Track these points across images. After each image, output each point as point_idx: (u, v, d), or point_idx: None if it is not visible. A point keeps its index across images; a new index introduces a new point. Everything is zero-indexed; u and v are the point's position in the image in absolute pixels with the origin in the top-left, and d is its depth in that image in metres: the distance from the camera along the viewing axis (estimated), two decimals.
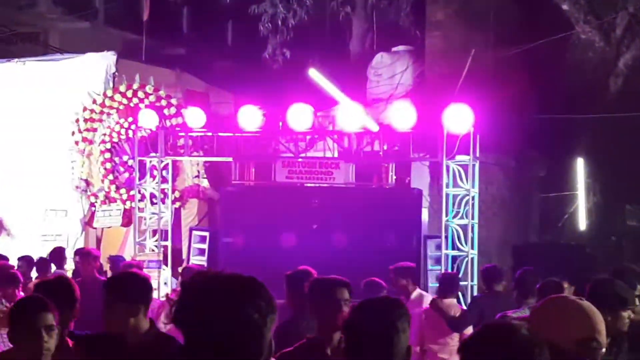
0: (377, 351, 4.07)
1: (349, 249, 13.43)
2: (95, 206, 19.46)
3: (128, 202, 18.35)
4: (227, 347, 3.13)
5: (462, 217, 14.96)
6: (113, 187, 19.37)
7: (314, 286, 6.65)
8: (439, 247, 14.93)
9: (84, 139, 19.66)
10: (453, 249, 14.90)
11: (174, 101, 18.63)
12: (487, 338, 3.31)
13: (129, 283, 7.47)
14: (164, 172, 16.71)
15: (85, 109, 19.72)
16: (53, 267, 14.24)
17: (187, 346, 3.18)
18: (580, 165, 21.39)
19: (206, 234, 15.93)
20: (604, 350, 3.76)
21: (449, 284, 11.37)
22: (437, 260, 14.74)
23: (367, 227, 14.16)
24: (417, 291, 11.71)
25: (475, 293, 13.66)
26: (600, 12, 21.58)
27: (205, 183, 18.95)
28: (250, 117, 15.60)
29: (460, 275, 14.43)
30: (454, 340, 10.74)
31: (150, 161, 16.61)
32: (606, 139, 20.97)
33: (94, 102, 19.72)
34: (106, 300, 7.28)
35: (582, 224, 21.81)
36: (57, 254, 14.57)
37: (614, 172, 21.77)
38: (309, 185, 15.48)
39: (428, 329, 11.08)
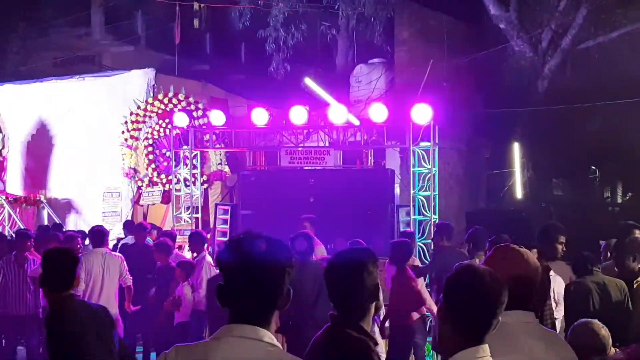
0: (348, 288, 4.10)
1: (338, 217, 13.45)
2: (141, 188, 19.48)
3: (167, 185, 18.33)
4: (254, 287, 3.16)
5: (425, 190, 14.97)
6: (155, 173, 19.36)
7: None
8: (408, 214, 14.98)
9: (132, 137, 19.66)
10: (419, 215, 14.94)
11: (200, 106, 18.58)
12: (460, 280, 3.30)
13: None
14: (194, 161, 16.70)
15: (131, 113, 19.71)
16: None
17: (226, 284, 3.22)
18: (516, 148, 21.36)
19: (228, 208, 15.92)
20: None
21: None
22: (407, 224, 14.77)
23: (352, 199, 14.17)
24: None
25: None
26: (529, 29, 21.55)
27: (226, 169, 18.96)
28: (260, 116, 15.63)
29: (425, 235, 14.58)
30: None
31: (183, 152, 16.61)
32: (536, 127, 20.94)
33: (138, 108, 19.70)
34: None
35: (519, 194, 21.79)
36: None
37: (543, 153, 21.74)
38: (306, 168, 15.49)
39: None
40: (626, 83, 16.97)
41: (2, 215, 19.96)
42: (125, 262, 12.00)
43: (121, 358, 6.36)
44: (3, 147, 21.14)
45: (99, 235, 12.39)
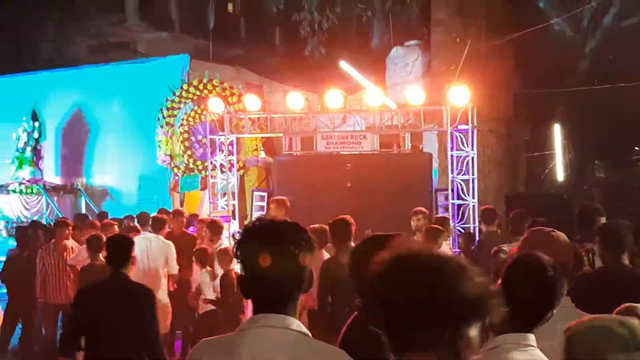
0: None
1: (376, 201, 13.40)
2: (178, 175, 19.60)
3: (203, 172, 18.41)
4: (274, 273, 3.10)
5: (464, 174, 14.90)
6: (191, 160, 19.50)
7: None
8: (446, 198, 14.92)
9: (167, 124, 19.82)
10: (458, 199, 14.88)
11: (235, 91, 18.66)
12: (524, 269, 3.37)
13: None
14: (230, 147, 16.73)
15: (167, 100, 19.84)
16: None
17: (245, 274, 3.22)
18: (557, 130, 21.23)
19: (264, 194, 15.95)
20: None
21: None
22: (446, 208, 14.71)
23: (389, 184, 14.11)
24: None
25: (477, 233, 13.56)
26: (569, 7, 21.34)
27: (262, 154, 19.00)
28: (295, 101, 15.58)
29: (464, 220, 14.53)
30: None
31: (219, 139, 16.63)
32: (577, 108, 20.82)
33: (174, 94, 19.83)
34: None
35: (560, 176, 21.69)
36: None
37: (583, 134, 21.61)
38: (343, 153, 15.45)
39: None
40: None
41: (40, 203, 20.25)
42: (173, 250, 12.20)
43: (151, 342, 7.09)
44: (40, 136, 21.38)
45: (159, 221, 12.58)
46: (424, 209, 12.17)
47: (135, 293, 7.23)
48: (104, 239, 9.67)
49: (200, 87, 19.57)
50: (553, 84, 20.41)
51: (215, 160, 16.88)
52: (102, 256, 10.52)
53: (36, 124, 21.43)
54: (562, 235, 3.96)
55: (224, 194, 16.92)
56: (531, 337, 3.20)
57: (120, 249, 7.36)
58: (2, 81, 23.82)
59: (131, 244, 7.60)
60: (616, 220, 7.50)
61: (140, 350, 6.97)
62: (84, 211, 19.51)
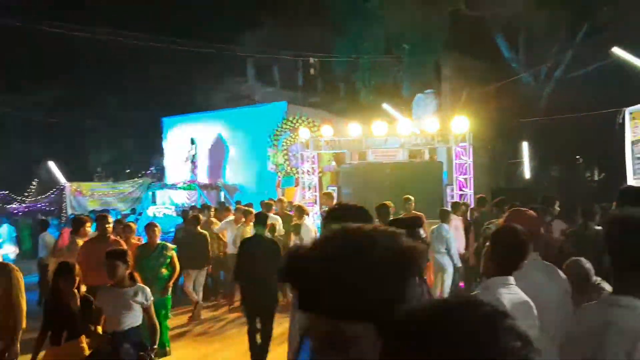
0: None
1: (405, 194, 13.15)
2: (280, 177, 19.72)
3: (296, 174, 18.48)
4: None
5: (464, 175, 14.71)
6: (289, 167, 19.58)
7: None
8: (452, 190, 14.73)
9: (274, 145, 19.97)
10: (460, 191, 14.69)
11: (316, 124, 18.64)
12: (505, 234, 3.35)
13: None
14: (313, 159, 16.76)
15: (274, 130, 20.03)
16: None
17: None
18: (525, 146, 20.80)
19: (335, 189, 15.93)
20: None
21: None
22: (452, 197, 14.46)
23: (415, 182, 13.91)
24: None
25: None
26: (532, 65, 21.02)
27: (333, 164, 19.00)
28: (355, 129, 15.63)
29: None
30: None
31: (306, 154, 16.67)
32: (538, 132, 20.40)
33: (278, 126, 19.99)
34: None
35: (527, 175, 21.21)
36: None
37: (543, 148, 21.16)
38: (384, 162, 15.37)
39: None
40: (599, 103, 16.38)
41: (195, 195, 20.61)
42: (281, 222, 12.35)
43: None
44: (195, 154, 21.78)
45: (267, 205, 12.70)
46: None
47: (269, 245, 7.84)
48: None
49: (294, 121, 19.64)
50: (522, 115, 20.06)
51: (304, 167, 16.93)
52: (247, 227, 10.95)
53: (192, 146, 21.83)
54: (532, 213, 3.98)
55: (310, 189, 16.99)
56: (511, 279, 3.19)
57: (261, 220, 8.20)
58: (173, 119, 24.31)
59: (267, 217, 8.74)
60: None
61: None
62: (222, 200, 19.81)
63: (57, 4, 26.08)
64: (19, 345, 5.35)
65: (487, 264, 3.39)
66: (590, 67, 19.50)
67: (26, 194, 26.11)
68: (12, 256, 14.80)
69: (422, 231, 3.74)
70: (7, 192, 25.71)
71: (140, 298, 5.20)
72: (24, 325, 5.39)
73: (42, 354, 5.26)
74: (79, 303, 5.18)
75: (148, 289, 5.34)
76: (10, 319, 5.30)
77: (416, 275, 1.29)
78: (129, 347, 4.91)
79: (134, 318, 5.17)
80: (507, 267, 3.23)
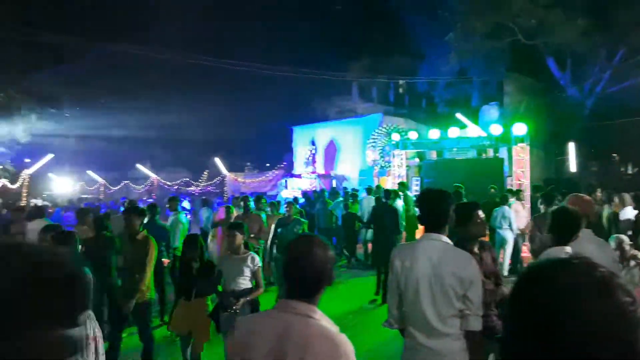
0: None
1: (474, 183, 12.76)
2: (377, 169, 19.16)
3: (389, 168, 17.99)
4: (438, 212, 2.78)
5: (521, 168, 14.04)
6: (382, 162, 19.26)
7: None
8: (512, 180, 13.99)
9: (372, 145, 19.92)
10: (518, 181, 13.93)
11: (404, 130, 18.39)
12: (560, 213, 3.21)
13: None
14: (401, 156, 16.53)
15: (372, 135, 20.02)
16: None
17: (421, 213, 2.85)
18: (572, 146, 19.48)
19: (418, 178, 15.81)
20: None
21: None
22: (511, 186, 13.74)
23: (481, 174, 13.47)
24: None
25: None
26: (578, 82, 19.62)
27: (417, 159, 18.65)
28: (433, 134, 15.30)
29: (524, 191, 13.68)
30: None
31: (397, 152, 16.55)
32: (582, 135, 19.07)
33: (375, 132, 19.98)
34: None
35: (573, 169, 19.90)
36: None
37: (585, 148, 19.77)
38: (457, 158, 15.02)
39: None
40: (633, 112, 15.14)
41: (315, 182, 21.04)
42: None
43: None
44: (316, 153, 22.22)
45: (370, 190, 12.68)
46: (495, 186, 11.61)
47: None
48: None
49: (388, 129, 19.54)
50: (569, 121, 18.88)
51: (394, 162, 16.84)
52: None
53: (313, 146, 22.32)
54: (586, 197, 3.77)
55: (399, 178, 16.81)
56: (568, 248, 3.04)
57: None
58: (299, 127, 24.85)
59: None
60: None
61: None
62: (334, 186, 20.13)
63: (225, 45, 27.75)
64: (147, 295, 5.18)
65: (548, 237, 3.21)
66: (626, 83, 18.03)
67: (200, 180, 27.23)
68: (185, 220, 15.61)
69: (480, 212, 3.56)
70: (187, 179, 27.22)
71: (250, 263, 4.73)
72: (148, 278, 5.23)
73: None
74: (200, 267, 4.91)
75: (257, 257, 4.83)
76: (143, 273, 5.19)
77: None
78: (244, 303, 4.58)
79: (247, 280, 4.72)
80: (564, 238, 3.09)
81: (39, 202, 18.38)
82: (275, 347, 1.72)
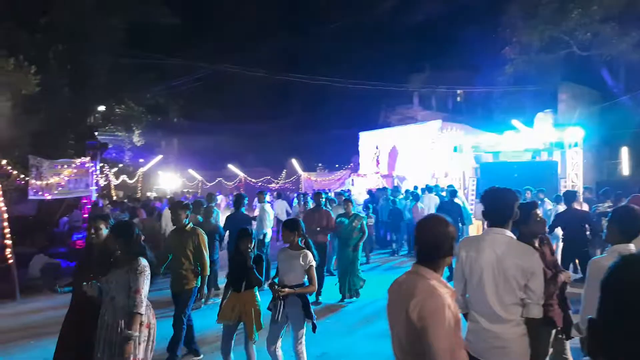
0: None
1: (528, 184, 12.69)
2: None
3: (449, 169, 17.86)
4: (500, 207, 2.74)
5: (575, 171, 13.98)
6: (441, 164, 18.78)
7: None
8: (565, 182, 13.74)
9: (431, 149, 19.57)
10: (572, 182, 13.88)
11: (462, 135, 17.77)
12: (625, 211, 2.98)
13: None
14: (458, 159, 16.13)
15: (432, 140, 20.08)
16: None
17: (486, 209, 2.79)
18: (625, 150, 18.85)
19: (475, 178, 15.77)
20: None
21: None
22: (565, 187, 13.46)
23: (535, 176, 13.10)
24: None
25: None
26: (631, 89, 18.94)
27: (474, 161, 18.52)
28: (491, 138, 15.22)
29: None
30: None
31: (454, 155, 16.07)
32: (635, 139, 18.39)
33: (433, 137, 20.04)
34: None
35: (625, 172, 19.19)
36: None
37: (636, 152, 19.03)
38: (512, 160, 14.98)
39: None
40: None
41: (378, 182, 20.58)
42: None
43: None
44: (380, 155, 22.31)
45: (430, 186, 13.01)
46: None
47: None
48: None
49: (445, 132, 19.27)
50: (621, 127, 18.32)
51: (451, 165, 16.39)
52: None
53: (377, 150, 22.43)
54: None
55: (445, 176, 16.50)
56: (632, 246, 2.83)
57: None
58: (365, 132, 24.27)
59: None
60: None
61: None
62: (395, 185, 19.46)
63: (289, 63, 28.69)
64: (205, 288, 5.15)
65: (611, 234, 2.97)
66: None
67: (279, 178, 28.01)
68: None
69: (538, 211, 3.46)
70: (269, 177, 28.20)
71: (302, 261, 4.45)
72: (207, 271, 5.16)
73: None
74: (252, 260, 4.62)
75: (310, 255, 4.50)
76: (200, 266, 5.10)
77: None
78: (293, 296, 4.41)
79: (298, 276, 4.45)
80: (627, 236, 2.88)
81: (152, 195, 20.53)
82: (397, 297, 2.04)
